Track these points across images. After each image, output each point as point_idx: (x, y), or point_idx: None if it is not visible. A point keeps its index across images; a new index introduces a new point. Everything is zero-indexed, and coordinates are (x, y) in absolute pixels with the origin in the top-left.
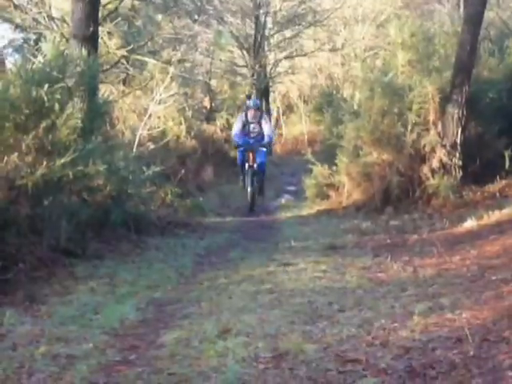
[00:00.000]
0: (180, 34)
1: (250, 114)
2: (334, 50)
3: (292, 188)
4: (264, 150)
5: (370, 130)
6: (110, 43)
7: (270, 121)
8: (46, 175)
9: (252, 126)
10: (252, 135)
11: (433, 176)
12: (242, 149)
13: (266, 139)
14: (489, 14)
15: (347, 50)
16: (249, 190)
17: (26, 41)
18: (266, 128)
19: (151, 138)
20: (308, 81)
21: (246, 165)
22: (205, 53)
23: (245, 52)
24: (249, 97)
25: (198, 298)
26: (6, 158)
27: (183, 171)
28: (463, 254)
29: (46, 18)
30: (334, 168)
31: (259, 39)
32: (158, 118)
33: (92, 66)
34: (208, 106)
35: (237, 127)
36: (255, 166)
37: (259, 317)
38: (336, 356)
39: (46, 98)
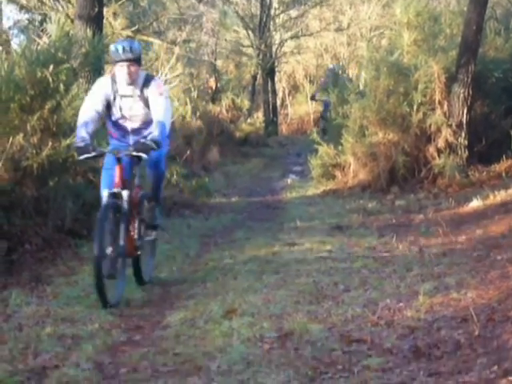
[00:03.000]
0: (185, 14)
1: (121, 73)
2: (339, 29)
3: (298, 168)
4: (145, 155)
5: (375, 110)
6: (115, 24)
7: (166, 91)
8: (52, 156)
9: (126, 102)
10: (128, 125)
11: (439, 156)
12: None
13: (156, 131)
14: None
15: (353, 30)
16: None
17: (31, 22)
18: (157, 107)
19: None
20: (314, 61)
21: (105, 193)
22: (210, 33)
23: (250, 32)
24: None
25: (204, 279)
26: (11, 139)
27: (188, 152)
28: (469, 234)
29: None
30: (340, 148)
31: (265, 19)
32: None
33: (97, 47)
34: (213, 87)
35: (87, 107)
36: (125, 194)
37: (264, 297)
38: (341, 336)
39: (50, 79)
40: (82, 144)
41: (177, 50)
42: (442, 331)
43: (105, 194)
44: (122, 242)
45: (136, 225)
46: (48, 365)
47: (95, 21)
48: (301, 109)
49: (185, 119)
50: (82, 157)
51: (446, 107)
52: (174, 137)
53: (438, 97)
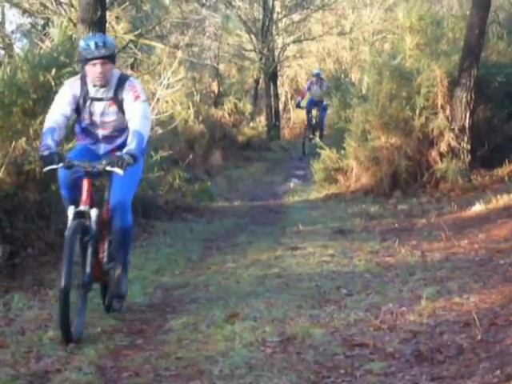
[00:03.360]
0: (188, 18)
1: (93, 72)
2: (342, 33)
3: (300, 172)
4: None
5: (378, 114)
6: (117, 28)
7: (144, 93)
8: None
9: (98, 106)
10: (99, 132)
11: (441, 160)
12: (66, 175)
13: (132, 144)
14: None
15: (355, 34)
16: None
17: (33, 26)
18: (134, 114)
19: (159, 123)
20: (316, 65)
21: (70, 212)
22: (213, 37)
23: (253, 36)
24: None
25: (206, 283)
26: (13, 143)
27: (191, 156)
28: (471, 238)
29: (54, 3)
30: (343, 152)
31: (267, 23)
32: (166, 102)
33: None
34: (216, 91)
35: (55, 112)
36: (93, 213)
37: (267, 301)
38: (343, 340)
39: (53, 83)
40: (46, 153)
41: (179, 54)
42: (445, 335)
43: (70, 212)
44: (88, 269)
45: (106, 246)
46: (50, 369)
47: (98, 25)
48: (303, 113)
49: (187, 123)
50: (47, 168)
51: (448, 111)
52: (177, 141)
53: (440, 101)
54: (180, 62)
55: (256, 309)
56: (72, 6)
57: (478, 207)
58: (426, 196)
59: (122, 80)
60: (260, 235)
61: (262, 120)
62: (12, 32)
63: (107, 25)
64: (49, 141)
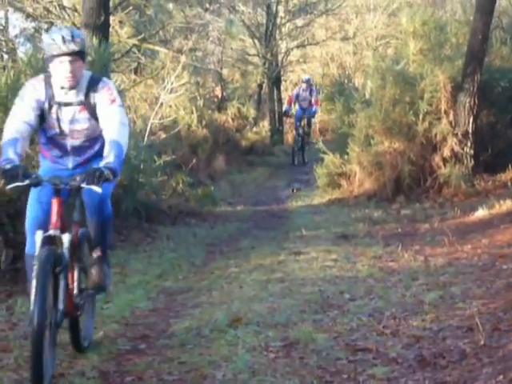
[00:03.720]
0: (191, 23)
1: (60, 72)
2: (345, 38)
3: (303, 177)
4: (99, 188)
5: (381, 119)
6: (121, 32)
7: (119, 97)
8: None
9: (66, 112)
10: (68, 143)
11: (444, 165)
12: (41, 193)
13: (110, 156)
14: (501, 3)
15: (359, 39)
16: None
17: (37, 30)
18: (110, 120)
19: (162, 127)
20: (319, 70)
21: (38, 237)
22: (216, 42)
23: (256, 41)
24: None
25: (209, 287)
26: None
27: (194, 160)
28: (474, 243)
29: (58, 7)
30: (346, 157)
31: (271, 28)
32: (170, 107)
33: (103, 55)
34: (219, 95)
35: (15, 119)
36: (65, 238)
37: (270, 306)
38: (346, 345)
39: None
40: (9, 167)
41: (183, 58)
42: (448, 341)
43: (38, 238)
44: (61, 306)
45: (76, 276)
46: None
47: (101, 29)
48: None
49: (191, 128)
50: (11, 185)
51: (451, 116)
52: (180, 145)
53: (443, 106)
54: (183, 67)
55: (259, 313)
56: (75, 10)
57: (481, 212)
58: (429, 201)
59: (94, 81)
60: (263, 240)
61: (265, 125)
62: (15, 36)
63: (111, 29)
64: (10, 154)
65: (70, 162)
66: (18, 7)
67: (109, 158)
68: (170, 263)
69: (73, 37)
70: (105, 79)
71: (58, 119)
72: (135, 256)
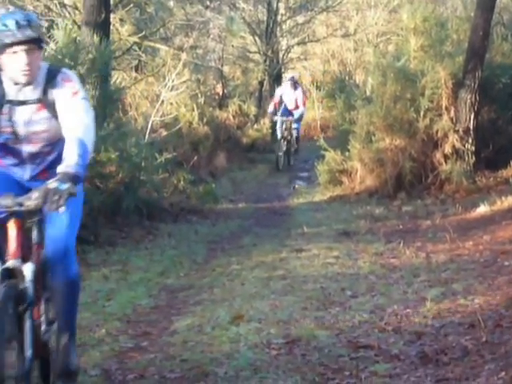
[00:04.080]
0: (192, 20)
1: (14, 64)
2: (346, 35)
3: (304, 174)
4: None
5: (382, 116)
6: (121, 30)
7: (80, 89)
8: None
9: (22, 113)
10: (24, 149)
11: (445, 161)
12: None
13: (73, 157)
14: None
15: (360, 36)
16: None
17: None
18: (72, 116)
19: (163, 125)
20: (320, 66)
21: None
22: (217, 39)
23: (257, 38)
24: None
25: (211, 285)
26: None
27: (195, 158)
28: (476, 240)
29: (58, 5)
30: (347, 154)
31: (271, 25)
32: (171, 104)
33: (104, 53)
34: (220, 93)
35: None
36: (28, 269)
37: (272, 303)
38: (348, 342)
39: None
40: None
41: (184, 56)
42: (450, 337)
43: None
44: (29, 353)
45: (42, 308)
46: None
47: (102, 27)
48: (308, 115)
49: (192, 125)
50: None
51: (452, 113)
52: (181, 143)
53: (444, 102)
54: (184, 64)
55: (261, 311)
56: (76, 8)
57: (482, 209)
58: (430, 197)
59: (52, 73)
60: (265, 237)
61: (266, 122)
62: None
63: (111, 27)
64: None
65: (26, 173)
66: (19, 5)
67: (71, 159)
68: (171, 260)
69: (29, 21)
70: (64, 70)
71: (12, 121)
72: (137, 253)
